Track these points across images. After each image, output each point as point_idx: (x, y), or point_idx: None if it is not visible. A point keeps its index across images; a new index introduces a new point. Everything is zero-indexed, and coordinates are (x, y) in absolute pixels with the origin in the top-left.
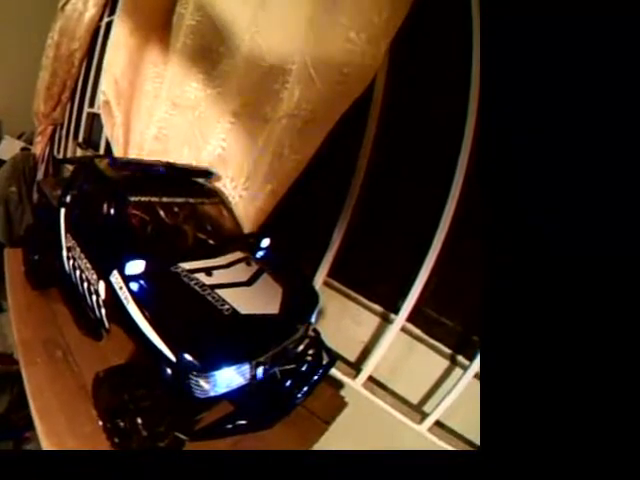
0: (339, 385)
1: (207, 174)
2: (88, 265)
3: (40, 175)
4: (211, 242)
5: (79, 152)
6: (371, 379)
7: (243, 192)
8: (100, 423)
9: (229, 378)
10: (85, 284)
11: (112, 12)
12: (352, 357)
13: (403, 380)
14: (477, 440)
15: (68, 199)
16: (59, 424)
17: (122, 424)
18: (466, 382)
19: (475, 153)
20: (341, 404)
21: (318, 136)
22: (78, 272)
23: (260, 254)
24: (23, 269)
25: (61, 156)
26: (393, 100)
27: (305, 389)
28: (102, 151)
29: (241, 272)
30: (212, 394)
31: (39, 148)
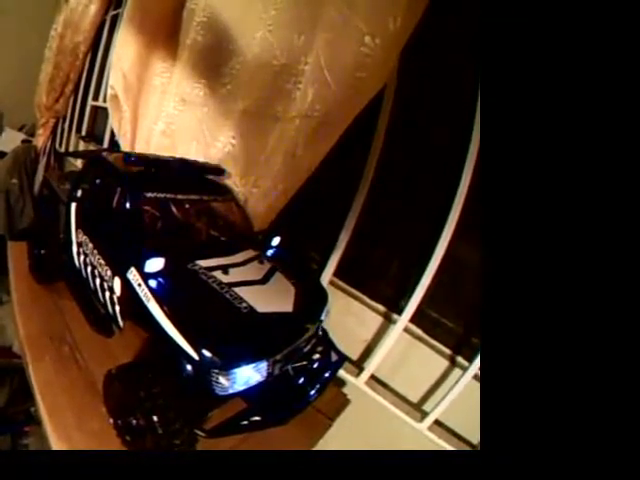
0: (342, 383)
1: (219, 171)
2: (101, 261)
3: (41, 168)
4: (224, 240)
5: (82, 145)
6: (373, 377)
7: (254, 190)
8: (110, 420)
9: (248, 375)
10: (97, 280)
11: (118, 6)
12: (355, 355)
13: (404, 379)
14: (474, 439)
15: (79, 194)
16: (67, 421)
17: (135, 422)
18: (465, 383)
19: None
20: (344, 401)
21: (331, 138)
22: (90, 268)
23: (271, 252)
24: (28, 263)
25: (63, 149)
26: (403, 103)
27: (318, 386)
28: (106, 145)
29: (255, 270)
30: (231, 391)
31: (41, 141)
